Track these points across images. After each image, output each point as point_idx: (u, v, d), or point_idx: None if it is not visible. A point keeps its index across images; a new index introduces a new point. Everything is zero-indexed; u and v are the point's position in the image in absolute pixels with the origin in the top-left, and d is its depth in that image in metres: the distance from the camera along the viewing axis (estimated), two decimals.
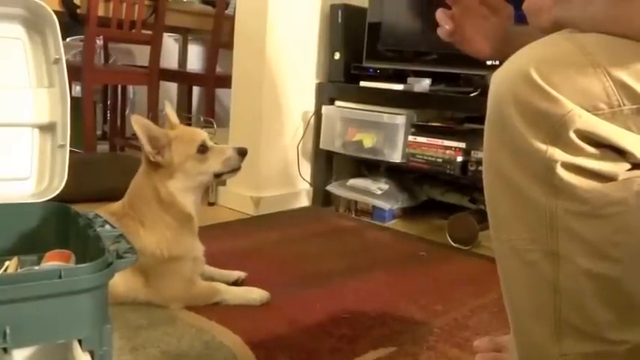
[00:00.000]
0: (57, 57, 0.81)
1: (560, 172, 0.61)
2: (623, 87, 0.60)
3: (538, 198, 0.64)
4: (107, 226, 0.69)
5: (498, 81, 0.66)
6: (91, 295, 0.54)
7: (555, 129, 0.61)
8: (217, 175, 1.21)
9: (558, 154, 0.61)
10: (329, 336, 1.10)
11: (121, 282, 1.12)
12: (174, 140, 1.16)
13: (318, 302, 1.25)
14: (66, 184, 1.69)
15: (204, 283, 1.22)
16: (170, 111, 1.27)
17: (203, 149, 1.18)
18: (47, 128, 0.82)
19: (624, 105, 0.60)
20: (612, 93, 0.60)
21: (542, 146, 0.61)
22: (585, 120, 0.60)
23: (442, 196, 2.10)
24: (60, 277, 0.52)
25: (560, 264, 0.65)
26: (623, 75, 0.60)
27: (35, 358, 0.56)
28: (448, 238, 1.77)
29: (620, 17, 0.62)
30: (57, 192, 0.78)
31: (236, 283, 1.30)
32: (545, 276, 0.66)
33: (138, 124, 1.11)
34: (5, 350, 0.50)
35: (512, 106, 0.63)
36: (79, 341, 0.55)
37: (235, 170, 1.22)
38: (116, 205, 1.18)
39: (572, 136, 0.60)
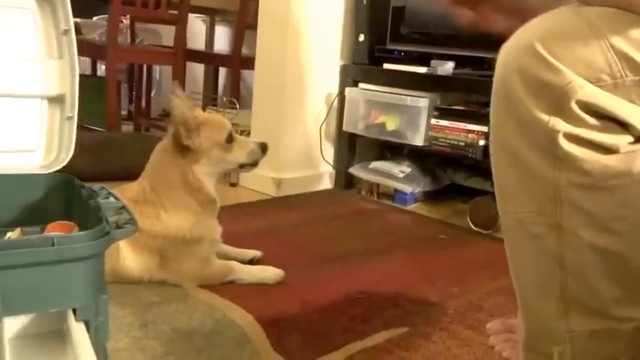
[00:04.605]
0: (66, 28, 0.81)
1: (562, 142, 0.61)
2: (626, 59, 0.60)
3: (542, 170, 0.63)
4: (111, 198, 0.68)
5: (505, 53, 0.66)
6: (85, 264, 0.53)
7: (557, 99, 0.60)
8: (241, 166, 1.23)
9: (560, 124, 0.61)
10: (341, 315, 1.09)
11: (135, 265, 1.13)
12: (203, 125, 1.15)
13: (332, 282, 1.24)
14: (88, 162, 1.72)
15: (219, 262, 1.21)
16: (178, 92, 1.21)
17: (230, 138, 1.19)
18: (56, 100, 0.82)
19: (626, 77, 0.60)
20: (615, 65, 0.60)
21: (545, 117, 0.61)
22: (587, 91, 0.60)
23: (465, 180, 2.05)
24: (53, 244, 0.51)
25: (564, 237, 0.64)
26: (626, 47, 0.60)
27: (30, 327, 0.56)
28: (469, 221, 1.73)
29: None
30: (64, 164, 0.78)
31: (252, 262, 1.29)
32: (550, 249, 0.66)
33: (178, 103, 1.11)
34: None
35: (517, 78, 0.63)
36: (74, 311, 0.55)
37: (256, 164, 1.24)
38: (134, 190, 1.15)
39: (574, 106, 0.60)
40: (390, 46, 1.97)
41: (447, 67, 1.84)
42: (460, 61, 1.85)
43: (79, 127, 2.62)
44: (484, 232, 1.68)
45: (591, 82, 0.60)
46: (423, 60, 1.90)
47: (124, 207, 0.65)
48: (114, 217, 0.62)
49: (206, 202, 1.17)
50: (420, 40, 1.94)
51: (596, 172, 0.61)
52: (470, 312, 1.13)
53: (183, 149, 1.13)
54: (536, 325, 0.72)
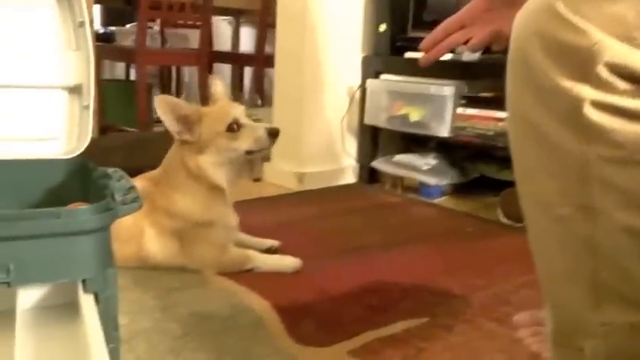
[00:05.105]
0: (82, 20, 0.83)
1: (589, 111, 0.54)
2: None
3: (567, 144, 0.57)
4: (122, 180, 0.70)
5: (521, 15, 0.60)
6: (91, 237, 0.55)
7: (582, 63, 0.54)
8: (249, 153, 1.18)
9: (586, 91, 0.54)
10: (358, 305, 1.07)
11: (158, 248, 1.17)
12: (205, 117, 1.16)
13: (350, 273, 1.23)
14: (120, 159, 1.78)
15: (237, 250, 1.23)
16: (217, 85, 1.25)
17: (234, 127, 1.16)
18: (74, 90, 0.85)
19: None
20: None
21: (569, 84, 0.55)
22: (617, 51, 0.53)
23: (497, 173, 1.99)
24: (59, 217, 0.53)
25: (595, 219, 0.58)
26: None
27: (45, 299, 0.58)
28: (500, 213, 1.68)
29: None
30: (81, 150, 0.80)
31: (269, 251, 1.30)
32: (578, 233, 0.59)
33: (161, 103, 1.12)
34: (9, 285, 0.52)
35: (536, 41, 0.57)
36: (83, 284, 0.57)
37: (265, 149, 1.20)
38: (154, 172, 1.23)
39: (602, 70, 0.53)
40: (412, 34, 1.93)
41: (474, 53, 1.80)
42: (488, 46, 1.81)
43: (114, 128, 2.69)
44: (516, 225, 1.62)
45: (622, 42, 0.53)
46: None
47: (132, 187, 0.67)
48: (122, 196, 0.64)
49: (211, 189, 1.18)
50: None
51: (629, 144, 0.54)
52: (496, 305, 1.09)
53: (184, 141, 1.16)
54: (564, 317, 0.66)
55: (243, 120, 1.19)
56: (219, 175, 1.18)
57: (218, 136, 1.16)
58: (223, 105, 1.23)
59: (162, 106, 1.12)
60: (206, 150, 1.16)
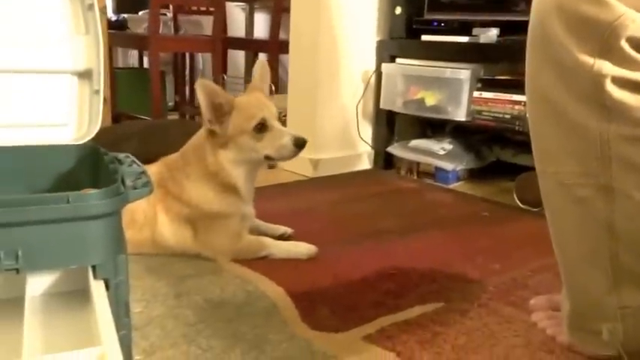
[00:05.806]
0: (91, 3, 0.82)
1: (611, 88, 0.53)
2: None
3: (587, 122, 0.56)
4: (134, 165, 0.69)
5: None
6: (101, 222, 0.55)
7: (604, 38, 0.53)
8: (269, 158, 1.15)
9: (608, 67, 0.53)
10: (373, 290, 1.06)
11: (171, 233, 1.17)
12: (236, 110, 1.13)
13: (366, 258, 1.22)
14: (135, 146, 1.78)
15: (252, 238, 1.22)
16: (260, 72, 1.21)
17: (261, 127, 1.12)
18: (84, 75, 0.84)
19: None
20: None
21: (589, 59, 0.53)
22: None
23: (513, 157, 1.96)
24: (68, 201, 0.52)
25: (615, 200, 0.57)
26: None
27: (54, 285, 0.58)
28: (515, 198, 1.65)
29: None
30: (92, 136, 0.80)
31: (281, 237, 1.29)
32: (598, 214, 0.59)
33: (202, 88, 1.10)
34: (17, 271, 0.52)
35: (556, 16, 0.55)
36: (94, 270, 0.56)
37: (287, 159, 1.16)
38: (172, 157, 1.22)
39: (625, 45, 0.52)
40: (428, 17, 1.90)
41: (491, 35, 1.76)
42: (506, 28, 1.75)
43: (127, 116, 2.70)
44: (533, 209, 1.59)
45: None
46: (465, 29, 1.81)
47: (143, 172, 0.66)
48: (133, 181, 0.63)
49: (225, 186, 1.16)
50: (462, 7, 1.85)
51: None
52: (512, 289, 1.07)
53: (211, 132, 1.14)
54: (582, 300, 0.66)
55: (273, 122, 1.13)
56: (236, 174, 1.16)
57: (243, 134, 1.13)
58: (255, 100, 1.17)
59: (203, 90, 1.10)
60: (229, 145, 1.14)
